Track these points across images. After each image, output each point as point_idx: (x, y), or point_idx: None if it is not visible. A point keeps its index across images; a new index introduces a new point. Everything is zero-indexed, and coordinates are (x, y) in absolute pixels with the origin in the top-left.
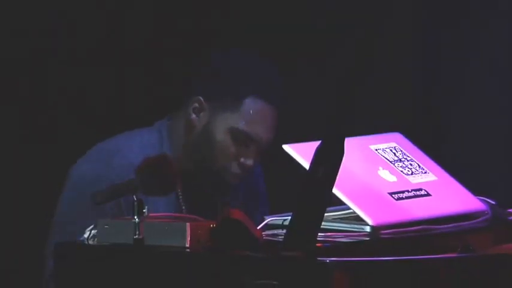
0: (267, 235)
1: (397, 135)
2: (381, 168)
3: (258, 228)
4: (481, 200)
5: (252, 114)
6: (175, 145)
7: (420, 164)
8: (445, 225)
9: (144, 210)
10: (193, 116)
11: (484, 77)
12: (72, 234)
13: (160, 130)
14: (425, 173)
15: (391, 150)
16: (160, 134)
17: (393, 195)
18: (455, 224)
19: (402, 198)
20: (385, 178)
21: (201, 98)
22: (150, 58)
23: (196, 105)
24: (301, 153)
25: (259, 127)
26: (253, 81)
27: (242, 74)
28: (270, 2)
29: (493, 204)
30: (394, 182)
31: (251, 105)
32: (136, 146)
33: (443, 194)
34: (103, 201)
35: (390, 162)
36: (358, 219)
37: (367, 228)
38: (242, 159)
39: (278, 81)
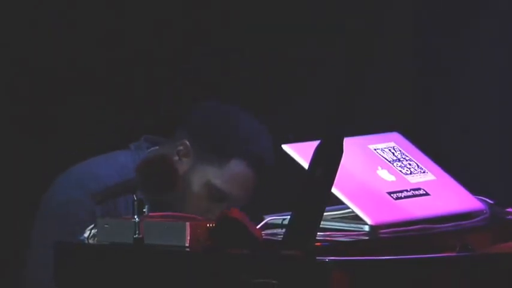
0: (267, 234)
1: (396, 135)
2: (379, 167)
3: (258, 227)
4: (480, 200)
5: (233, 176)
6: None
7: (419, 164)
8: (444, 225)
9: (143, 210)
10: (176, 158)
11: (483, 77)
12: None
13: (139, 154)
14: (424, 172)
15: (389, 149)
16: (139, 158)
17: (392, 195)
18: (454, 224)
19: (401, 198)
20: (384, 178)
21: (187, 143)
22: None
23: (181, 148)
24: (301, 153)
25: (238, 189)
26: (242, 145)
27: (232, 136)
28: (270, 1)
29: (491, 203)
30: (392, 181)
31: (235, 168)
32: (112, 170)
33: (442, 194)
34: (103, 201)
35: (389, 161)
36: (357, 219)
37: (366, 228)
38: (210, 215)
39: (267, 146)
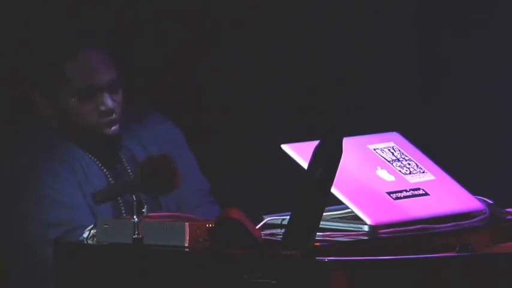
0: (266, 234)
1: (395, 135)
2: (379, 167)
3: (257, 227)
4: (479, 199)
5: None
6: None
7: (418, 164)
8: (443, 225)
9: (143, 210)
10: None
11: (483, 77)
12: None
13: None
14: (423, 172)
15: (389, 149)
16: None
17: (391, 195)
18: (454, 223)
19: (400, 198)
20: (384, 178)
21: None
22: None
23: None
24: (300, 153)
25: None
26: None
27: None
28: (270, 1)
29: (490, 203)
30: (392, 181)
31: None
32: None
33: (441, 194)
34: (103, 201)
35: (388, 161)
36: (357, 219)
37: (366, 228)
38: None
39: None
